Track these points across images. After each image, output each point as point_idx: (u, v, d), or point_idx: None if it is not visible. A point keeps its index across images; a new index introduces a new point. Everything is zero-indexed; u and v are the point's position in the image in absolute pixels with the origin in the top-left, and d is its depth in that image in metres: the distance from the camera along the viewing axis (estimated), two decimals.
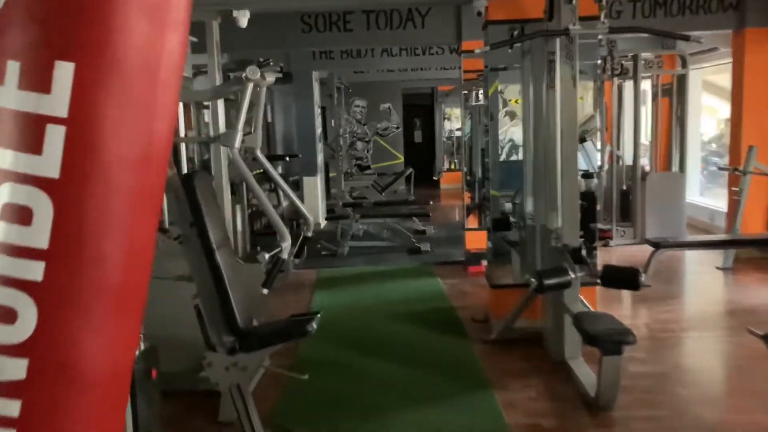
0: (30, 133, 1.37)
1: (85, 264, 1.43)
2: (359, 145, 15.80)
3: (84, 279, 1.43)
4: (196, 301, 3.31)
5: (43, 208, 1.38)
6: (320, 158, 10.42)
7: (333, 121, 11.84)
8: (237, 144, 3.26)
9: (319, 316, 3.29)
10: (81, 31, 1.37)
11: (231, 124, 4.41)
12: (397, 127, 15.88)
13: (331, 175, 12.15)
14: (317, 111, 10.29)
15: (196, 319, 3.34)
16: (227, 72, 6.78)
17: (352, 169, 13.63)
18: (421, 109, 17.42)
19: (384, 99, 15.69)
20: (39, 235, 1.38)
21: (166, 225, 4.59)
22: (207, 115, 7.07)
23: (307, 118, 10.08)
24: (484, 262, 6.38)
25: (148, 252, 1.57)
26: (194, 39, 5.56)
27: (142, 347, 2.63)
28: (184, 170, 6.06)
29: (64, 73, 1.36)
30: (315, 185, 10.14)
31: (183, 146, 6.06)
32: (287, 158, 10.60)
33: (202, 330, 3.33)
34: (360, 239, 8.79)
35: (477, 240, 7.41)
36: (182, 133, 6.26)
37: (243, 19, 5.09)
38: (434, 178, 16.27)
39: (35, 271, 1.38)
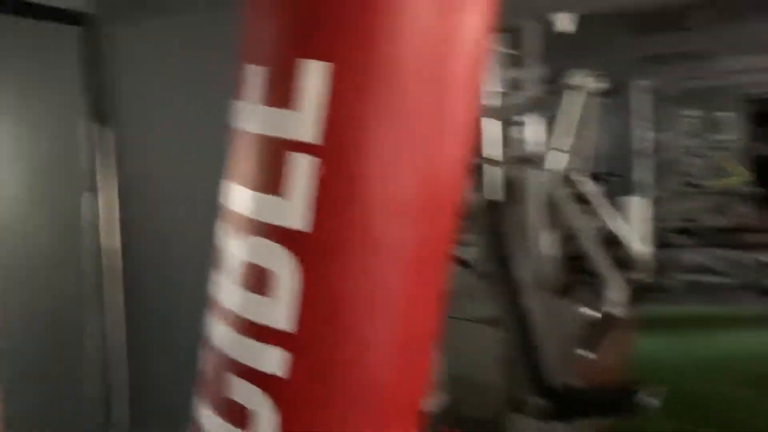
0: (269, 165, 0.97)
1: (341, 354, 0.98)
2: (692, 160, 13.92)
3: (341, 375, 0.99)
4: (502, 349, 2.81)
5: (287, 273, 0.96)
6: (646, 176, 9.24)
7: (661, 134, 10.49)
8: (562, 165, 2.68)
9: (660, 391, 2.51)
10: (339, 22, 0.94)
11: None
12: (738, 139, 13.62)
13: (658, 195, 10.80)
14: (640, 123, 9.15)
15: (496, 365, 2.84)
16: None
17: (683, 186, 12.03)
18: None
19: (722, 106, 13.61)
20: (280, 312, 0.97)
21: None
22: (516, 131, 6.60)
23: (626, 131, 9.02)
24: None
25: (428, 337, 1.08)
26: (507, 50, 5.13)
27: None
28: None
29: (314, 79, 0.93)
30: (640, 208, 9.02)
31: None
32: (607, 178, 9.56)
33: (506, 385, 2.82)
34: (693, 272, 7.47)
35: None
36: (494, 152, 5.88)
37: (567, 22, 4.49)
38: None
39: (274, 361, 0.98)
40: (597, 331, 2.64)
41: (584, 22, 6.42)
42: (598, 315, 2.64)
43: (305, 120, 0.92)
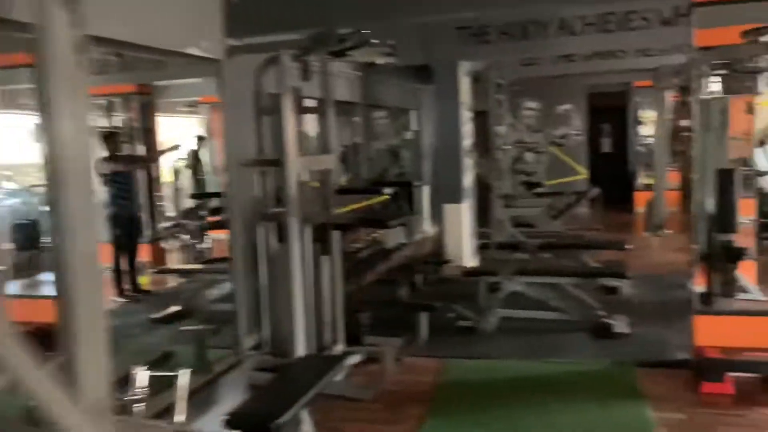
0: None
1: None
2: (529, 157, 12.74)
3: None
4: None
5: None
6: (468, 179, 7.65)
7: (496, 129, 8.96)
8: None
9: None
10: None
11: None
12: (579, 135, 12.60)
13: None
14: (465, 116, 7.54)
15: None
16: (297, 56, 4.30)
17: (517, 189, 10.67)
18: (610, 112, 13.93)
19: (562, 99, 12.52)
20: None
21: None
22: None
23: (449, 126, 7.39)
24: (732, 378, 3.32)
25: None
26: None
27: None
28: None
29: None
30: (460, 214, 7.39)
31: None
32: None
33: None
34: (515, 305, 5.80)
35: (715, 328, 4.28)
36: None
37: None
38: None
39: None
40: None
41: None
42: None
43: None
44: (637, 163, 12.97)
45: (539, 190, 12.53)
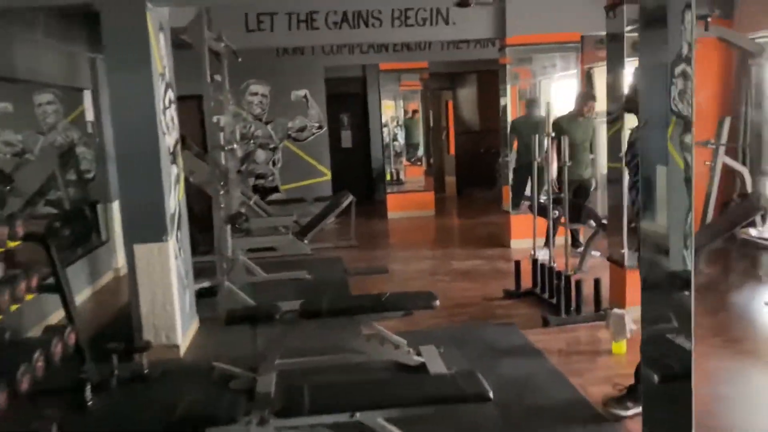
0: None
1: None
2: (260, 155, 10.16)
3: None
4: None
5: None
6: (175, 199, 4.77)
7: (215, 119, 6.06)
8: None
9: None
10: None
11: None
12: (320, 127, 10.35)
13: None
14: (162, 93, 4.64)
15: None
16: None
17: (249, 197, 7.98)
18: (350, 100, 11.96)
19: (298, 83, 10.14)
20: None
21: None
22: None
23: (137, 115, 4.40)
24: None
25: None
26: None
27: None
28: None
29: None
30: (164, 260, 4.50)
31: None
32: None
33: None
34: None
35: None
36: None
37: None
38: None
39: None
40: None
41: None
42: None
43: None
44: (384, 159, 11.15)
45: (275, 196, 10.05)
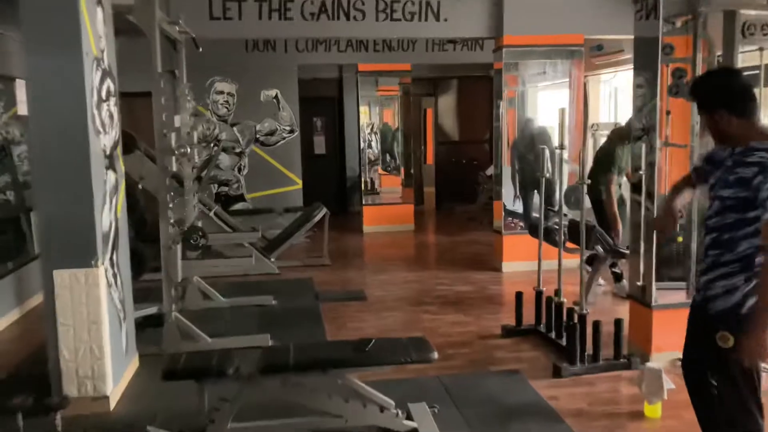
0: None
1: None
2: (225, 160, 9.23)
3: None
4: None
5: None
6: (109, 214, 3.86)
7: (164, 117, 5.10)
8: None
9: None
10: None
11: None
12: (292, 131, 9.45)
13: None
14: (96, 82, 3.73)
15: None
16: None
17: (210, 207, 7.04)
18: (325, 102, 11.09)
19: (268, 82, 9.24)
20: None
21: None
22: None
23: (64, 106, 3.50)
24: None
25: None
26: None
27: None
28: None
29: None
30: (84, 285, 3.58)
31: None
32: None
33: None
34: None
35: None
36: None
37: None
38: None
39: None
40: None
41: None
42: None
43: None
44: (360, 168, 10.28)
45: (240, 205, 9.14)
